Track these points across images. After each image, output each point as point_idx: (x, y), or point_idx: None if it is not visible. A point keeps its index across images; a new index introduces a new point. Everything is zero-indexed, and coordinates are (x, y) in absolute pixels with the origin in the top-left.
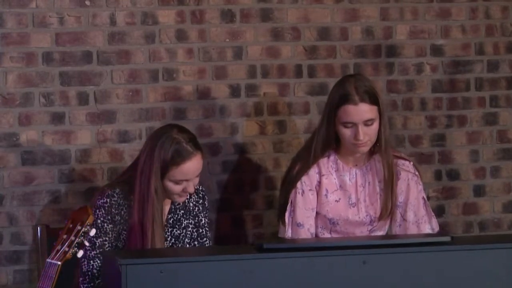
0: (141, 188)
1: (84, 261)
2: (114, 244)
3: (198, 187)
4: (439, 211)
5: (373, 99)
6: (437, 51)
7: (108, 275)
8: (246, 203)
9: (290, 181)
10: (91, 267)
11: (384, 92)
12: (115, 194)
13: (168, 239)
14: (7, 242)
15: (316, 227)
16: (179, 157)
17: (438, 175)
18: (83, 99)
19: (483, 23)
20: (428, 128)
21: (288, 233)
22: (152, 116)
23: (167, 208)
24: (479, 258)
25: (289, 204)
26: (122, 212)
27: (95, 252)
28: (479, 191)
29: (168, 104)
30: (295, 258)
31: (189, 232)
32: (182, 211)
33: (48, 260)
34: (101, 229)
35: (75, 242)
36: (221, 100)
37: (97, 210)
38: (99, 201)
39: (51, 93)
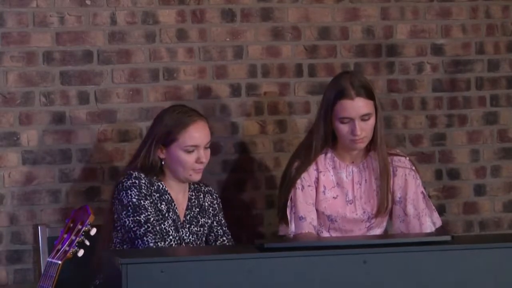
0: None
1: (138, 241)
2: (156, 222)
3: (210, 189)
4: (439, 211)
5: (369, 94)
6: (437, 50)
7: (108, 275)
8: (247, 202)
9: (289, 179)
10: (146, 243)
11: (384, 91)
12: (141, 177)
13: (187, 235)
14: (8, 242)
15: None
16: (185, 121)
17: (438, 175)
18: (83, 99)
19: (483, 22)
20: (429, 127)
21: (292, 229)
22: (153, 116)
23: (184, 204)
24: (479, 258)
25: (289, 200)
26: (152, 191)
27: (143, 228)
28: (479, 190)
29: (169, 104)
30: (295, 257)
31: (206, 230)
32: (198, 209)
33: (49, 259)
34: (139, 206)
35: (75, 242)
36: (222, 100)
37: (128, 191)
38: (126, 183)
39: (51, 92)
